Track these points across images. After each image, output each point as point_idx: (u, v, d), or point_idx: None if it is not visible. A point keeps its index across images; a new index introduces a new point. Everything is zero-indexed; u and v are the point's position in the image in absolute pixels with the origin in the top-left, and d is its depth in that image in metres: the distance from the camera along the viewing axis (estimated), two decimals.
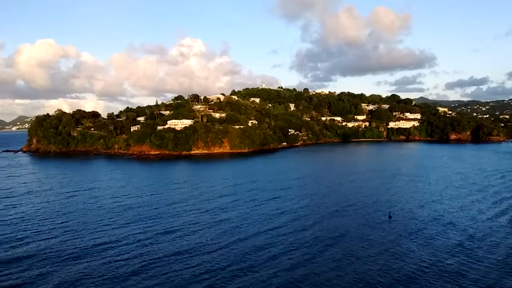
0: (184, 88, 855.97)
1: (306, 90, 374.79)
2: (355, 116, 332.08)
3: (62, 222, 67.04)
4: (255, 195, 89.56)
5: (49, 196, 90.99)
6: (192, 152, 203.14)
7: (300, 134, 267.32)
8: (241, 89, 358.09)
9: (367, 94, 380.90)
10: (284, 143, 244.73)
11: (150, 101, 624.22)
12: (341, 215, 70.43)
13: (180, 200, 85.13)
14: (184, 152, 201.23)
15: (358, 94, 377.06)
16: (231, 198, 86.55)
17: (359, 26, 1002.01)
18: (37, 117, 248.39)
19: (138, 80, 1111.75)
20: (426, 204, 78.97)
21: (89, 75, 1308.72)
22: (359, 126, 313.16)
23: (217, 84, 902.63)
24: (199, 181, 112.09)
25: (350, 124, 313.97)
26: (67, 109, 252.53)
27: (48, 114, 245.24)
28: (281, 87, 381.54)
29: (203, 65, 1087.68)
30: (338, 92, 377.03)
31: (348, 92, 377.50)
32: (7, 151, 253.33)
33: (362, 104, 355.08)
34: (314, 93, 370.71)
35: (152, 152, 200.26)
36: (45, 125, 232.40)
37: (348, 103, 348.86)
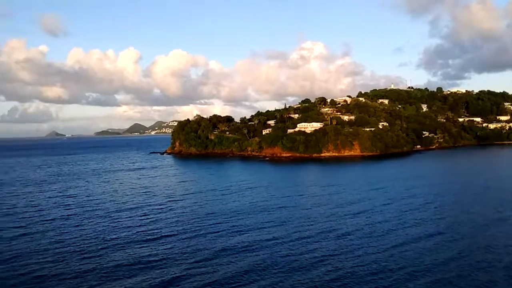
0: (305, 91, 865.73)
1: (439, 89, 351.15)
2: (497, 117, 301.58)
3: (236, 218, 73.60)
4: (410, 202, 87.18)
5: (211, 195, 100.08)
6: (322, 154, 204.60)
7: (435, 136, 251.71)
8: (368, 91, 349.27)
9: (510, 92, 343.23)
10: (418, 146, 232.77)
11: (272, 105, 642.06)
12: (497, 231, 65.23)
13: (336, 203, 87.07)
14: (314, 155, 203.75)
15: (500, 93, 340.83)
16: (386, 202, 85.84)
17: (495, 17, 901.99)
18: (179, 122, 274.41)
19: (261, 85, 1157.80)
20: None
21: (216, 82, 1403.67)
22: (502, 128, 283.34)
23: (338, 86, 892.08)
24: (351, 185, 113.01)
25: (491, 126, 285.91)
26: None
27: (188, 119, 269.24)
28: (411, 87, 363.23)
29: (323, 68, 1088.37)
30: (476, 91, 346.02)
31: (488, 91, 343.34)
32: (154, 152, 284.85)
33: (505, 103, 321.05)
34: (448, 92, 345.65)
35: (284, 154, 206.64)
36: (186, 129, 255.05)
37: (488, 103, 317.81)
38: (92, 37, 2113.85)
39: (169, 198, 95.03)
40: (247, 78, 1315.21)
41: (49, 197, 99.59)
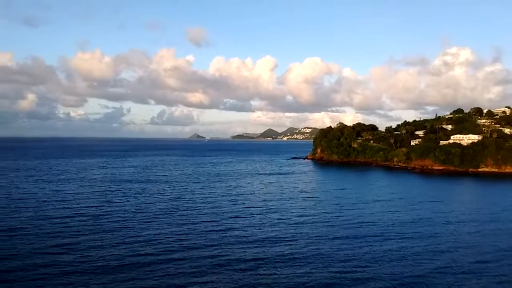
0: (447, 100, 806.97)
1: None
2: None
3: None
4: None
5: (378, 205, 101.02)
6: (480, 169, 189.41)
7: None
8: None
9: None
10: None
11: (409, 114, 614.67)
12: None
13: None
14: (470, 169, 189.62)
15: None
16: None
17: None
18: (322, 130, 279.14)
19: (397, 93, 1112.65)
20: None
21: (349, 90, 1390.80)
22: None
23: (485, 96, 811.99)
24: None
25: None
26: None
27: (330, 126, 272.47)
28: None
29: (470, 75, 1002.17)
30: None
31: None
32: (295, 158, 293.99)
33: None
34: None
35: (436, 167, 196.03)
36: (329, 137, 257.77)
37: None
38: (233, 46, 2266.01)
39: (337, 205, 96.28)
40: (382, 86, 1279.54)
41: (222, 195, 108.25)
